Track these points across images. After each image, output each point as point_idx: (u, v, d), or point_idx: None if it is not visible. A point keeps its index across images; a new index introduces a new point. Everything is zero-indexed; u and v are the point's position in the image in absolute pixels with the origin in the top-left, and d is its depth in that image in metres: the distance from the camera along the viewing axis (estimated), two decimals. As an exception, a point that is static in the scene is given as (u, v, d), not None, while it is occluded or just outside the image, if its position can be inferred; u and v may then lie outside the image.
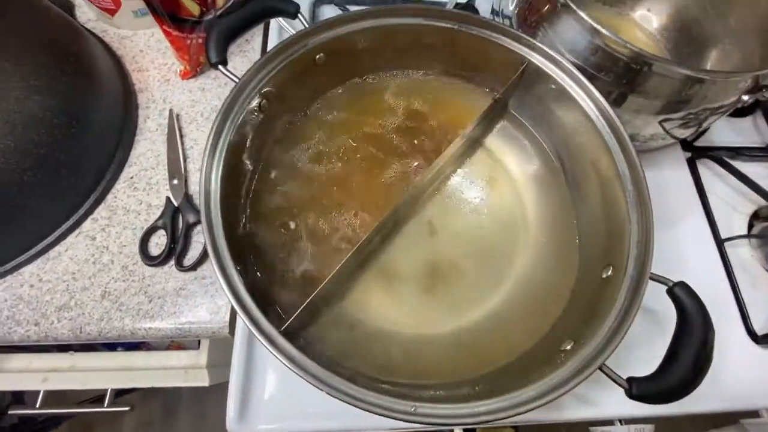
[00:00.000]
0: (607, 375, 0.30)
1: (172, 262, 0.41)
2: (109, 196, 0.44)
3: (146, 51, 0.52)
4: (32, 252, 0.41)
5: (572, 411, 0.40)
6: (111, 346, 0.53)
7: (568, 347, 0.32)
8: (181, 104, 0.49)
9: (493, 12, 0.52)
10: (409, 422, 0.28)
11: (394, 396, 0.28)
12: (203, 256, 0.42)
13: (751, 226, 0.51)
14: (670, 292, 0.32)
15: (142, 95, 0.49)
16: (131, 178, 0.45)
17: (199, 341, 0.49)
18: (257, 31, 0.54)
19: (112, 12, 0.50)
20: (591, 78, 0.39)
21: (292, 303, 0.37)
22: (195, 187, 0.45)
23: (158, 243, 0.42)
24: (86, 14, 0.53)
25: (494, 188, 0.44)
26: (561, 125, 0.42)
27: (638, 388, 0.29)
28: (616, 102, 0.41)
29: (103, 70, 0.46)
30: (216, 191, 0.33)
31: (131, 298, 0.40)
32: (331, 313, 0.38)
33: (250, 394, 0.39)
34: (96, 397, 0.67)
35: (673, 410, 0.36)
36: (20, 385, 0.47)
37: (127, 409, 0.50)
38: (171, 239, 0.42)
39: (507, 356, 0.36)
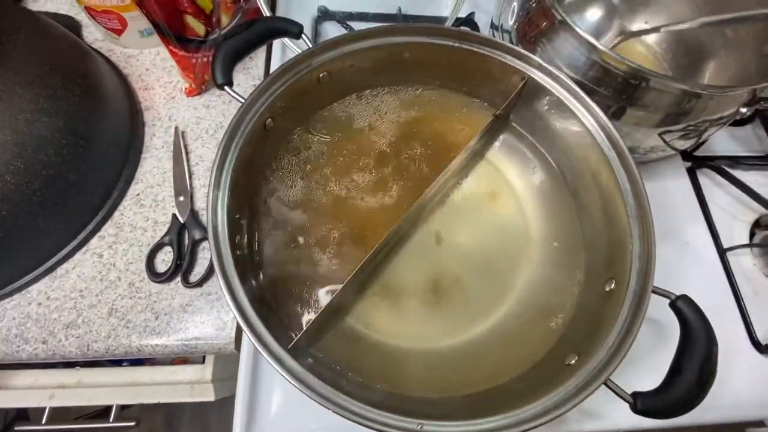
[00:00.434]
0: (611, 390, 0.30)
1: (179, 278, 0.42)
2: (116, 214, 0.45)
3: (152, 69, 0.53)
4: (40, 270, 0.41)
5: (577, 424, 0.40)
6: (116, 362, 0.54)
7: (573, 361, 0.32)
8: (187, 121, 0.50)
9: (493, 26, 0.52)
10: (416, 439, 0.28)
11: (400, 413, 0.28)
12: (209, 272, 0.42)
13: (752, 234, 0.51)
14: (673, 306, 0.32)
15: (148, 113, 0.50)
16: (138, 195, 0.46)
17: (204, 356, 0.50)
18: (261, 49, 0.55)
19: (118, 32, 0.51)
20: (590, 92, 0.39)
21: (298, 318, 0.37)
22: (201, 204, 0.46)
23: (164, 259, 0.43)
24: (93, 34, 0.54)
25: (497, 200, 0.44)
26: (561, 139, 0.43)
27: (643, 404, 0.29)
28: (616, 115, 0.41)
29: (110, 89, 0.46)
30: (222, 208, 0.34)
31: (138, 315, 0.41)
32: (338, 327, 0.38)
33: (256, 412, 0.39)
34: (97, 412, 0.67)
35: (678, 421, 0.36)
36: (27, 402, 0.47)
37: (132, 424, 0.50)
38: (177, 255, 0.42)
39: (514, 370, 0.36)
